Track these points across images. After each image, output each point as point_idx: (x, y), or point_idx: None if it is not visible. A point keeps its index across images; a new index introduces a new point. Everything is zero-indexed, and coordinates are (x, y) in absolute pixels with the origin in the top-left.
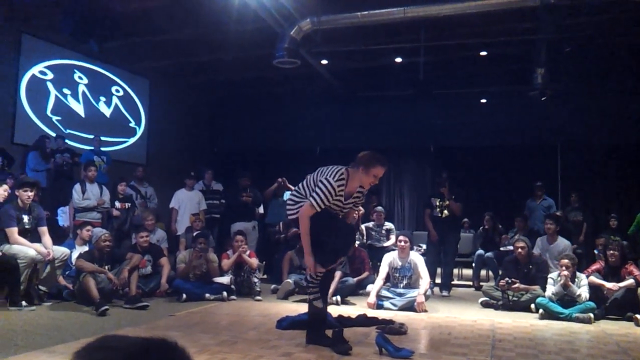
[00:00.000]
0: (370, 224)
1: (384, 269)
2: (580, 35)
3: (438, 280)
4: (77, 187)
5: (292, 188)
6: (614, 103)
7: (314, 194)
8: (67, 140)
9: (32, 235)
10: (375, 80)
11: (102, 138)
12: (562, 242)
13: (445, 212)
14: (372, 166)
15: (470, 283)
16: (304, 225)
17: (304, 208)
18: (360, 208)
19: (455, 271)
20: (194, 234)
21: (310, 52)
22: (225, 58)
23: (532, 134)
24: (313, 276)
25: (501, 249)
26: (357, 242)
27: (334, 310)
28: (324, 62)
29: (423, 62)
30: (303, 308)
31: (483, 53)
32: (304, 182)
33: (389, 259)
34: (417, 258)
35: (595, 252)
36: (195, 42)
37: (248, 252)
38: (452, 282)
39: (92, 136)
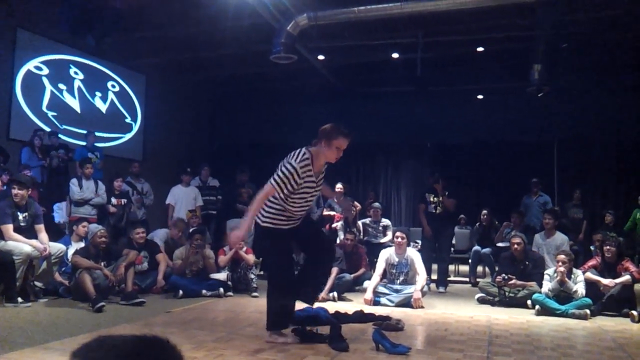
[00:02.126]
0: (367, 220)
1: (380, 265)
2: (578, 31)
3: (434, 277)
4: (75, 181)
5: None
6: (610, 99)
7: (275, 175)
8: (61, 136)
9: (27, 232)
10: (372, 76)
11: (98, 134)
12: (559, 237)
13: (439, 208)
14: (333, 138)
15: (467, 279)
16: (259, 199)
17: (264, 188)
18: (357, 204)
19: (452, 267)
20: (191, 230)
21: (307, 48)
22: (222, 54)
23: (529, 130)
24: (234, 246)
25: (497, 244)
26: (352, 237)
27: (330, 307)
28: (321, 57)
29: (420, 58)
30: (298, 305)
31: (480, 49)
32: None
33: (386, 255)
34: (414, 254)
35: (592, 248)
36: (192, 38)
37: (245, 249)
38: (449, 279)
39: (89, 131)
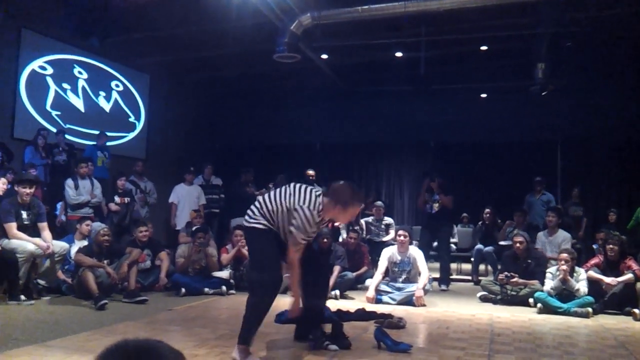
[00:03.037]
0: (370, 219)
1: (383, 264)
2: (581, 30)
3: (435, 275)
4: (70, 182)
5: None
6: (614, 98)
7: (296, 225)
8: (67, 136)
9: (31, 231)
10: (375, 75)
11: (105, 133)
12: (562, 234)
13: (436, 206)
14: (351, 205)
15: (469, 277)
16: (297, 272)
17: (292, 252)
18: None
19: (454, 266)
20: (194, 228)
21: (310, 47)
22: (225, 53)
23: (533, 129)
24: (293, 316)
25: (500, 243)
26: (355, 235)
27: (332, 305)
28: (324, 56)
29: (423, 57)
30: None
31: (483, 48)
32: (273, 197)
33: (388, 254)
34: (416, 253)
35: (595, 246)
36: (195, 37)
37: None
38: (451, 277)
39: (91, 131)
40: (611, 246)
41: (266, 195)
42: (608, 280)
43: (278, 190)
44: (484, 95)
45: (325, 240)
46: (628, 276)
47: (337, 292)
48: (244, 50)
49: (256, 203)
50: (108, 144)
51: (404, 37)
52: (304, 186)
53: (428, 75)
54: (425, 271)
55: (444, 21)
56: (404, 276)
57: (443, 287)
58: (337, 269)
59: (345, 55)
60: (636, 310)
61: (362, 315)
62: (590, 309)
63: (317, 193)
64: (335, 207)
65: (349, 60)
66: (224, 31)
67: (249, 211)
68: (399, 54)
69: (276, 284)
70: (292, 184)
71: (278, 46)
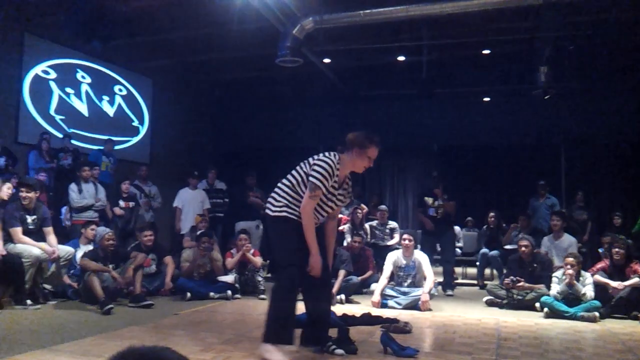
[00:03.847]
0: (374, 223)
1: (388, 268)
2: (584, 33)
3: (439, 279)
4: (73, 186)
5: None
6: (617, 101)
7: (315, 174)
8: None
9: (36, 235)
10: (378, 79)
11: (105, 137)
12: (568, 239)
13: (440, 212)
14: (367, 147)
15: (475, 282)
16: (309, 221)
17: (305, 201)
18: (363, 206)
19: (459, 270)
20: (198, 232)
21: (313, 51)
22: (228, 57)
23: (536, 132)
24: (317, 274)
25: (505, 247)
26: (360, 239)
27: (338, 309)
28: (327, 60)
29: (426, 61)
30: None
31: (486, 52)
32: (292, 173)
33: (393, 258)
34: (421, 257)
35: (600, 250)
36: (198, 41)
37: (252, 251)
38: (456, 281)
39: (96, 135)
40: (617, 250)
41: (285, 178)
42: (614, 284)
43: (294, 169)
44: (487, 99)
45: (357, 243)
46: (635, 280)
47: (343, 296)
48: (247, 54)
49: (276, 188)
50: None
51: (407, 41)
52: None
53: (431, 79)
54: (431, 275)
55: (446, 25)
56: (409, 280)
57: (449, 292)
58: (342, 273)
59: (347, 59)
60: None
61: (367, 319)
62: (597, 314)
63: (330, 152)
64: (352, 152)
65: (351, 64)
66: (226, 35)
67: (270, 199)
68: (401, 58)
69: (292, 283)
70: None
71: (280, 50)
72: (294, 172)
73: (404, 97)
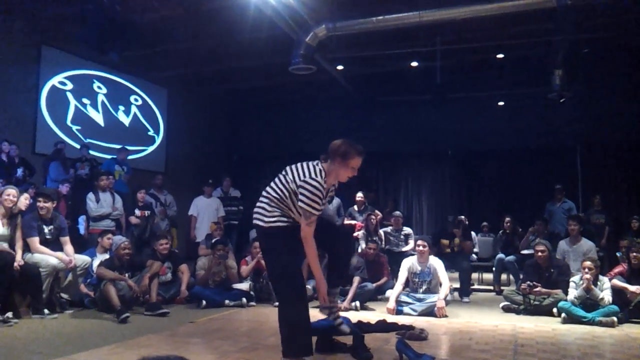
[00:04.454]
0: (389, 229)
1: (403, 274)
2: (598, 36)
3: (456, 285)
4: (91, 195)
5: None
6: (632, 104)
7: (306, 201)
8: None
9: (53, 245)
10: (391, 85)
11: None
12: (586, 244)
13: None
14: (349, 158)
15: (491, 287)
16: (312, 247)
17: (305, 228)
18: (378, 212)
19: (475, 275)
20: (213, 240)
21: (326, 58)
22: (242, 66)
23: (551, 136)
24: (325, 302)
25: (522, 252)
26: (374, 246)
27: (353, 316)
28: (340, 67)
29: (440, 66)
30: (321, 314)
31: (500, 56)
32: (276, 185)
33: (408, 264)
34: (436, 263)
35: (618, 254)
36: (212, 51)
37: None
38: (472, 287)
39: (112, 145)
40: (635, 254)
41: (269, 188)
42: (633, 288)
43: (277, 178)
44: (501, 103)
45: (371, 249)
46: None
47: (357, 303)
48: (261, 63)
49: (263, 198)
50: (128, 157)
51: (420, 46)
52: (299, 163)
53: (444, 84)
54: (446, 281)
55: (459, 30)
56: (424, 287)
57: (465, 299)
58: (356, 279)
59: (361, 66)
60: None
61: (383, 326)
62: (615, 318)
63: (315, 163)
64: (334, 162)
65: (364, 71)
66: (240, 44)
67: (258, 209)
68: (414, 64)
69: (299, 292)
70: (287, 167)
71: (294, 58)
72: (279, 184)
73: (417, 102)
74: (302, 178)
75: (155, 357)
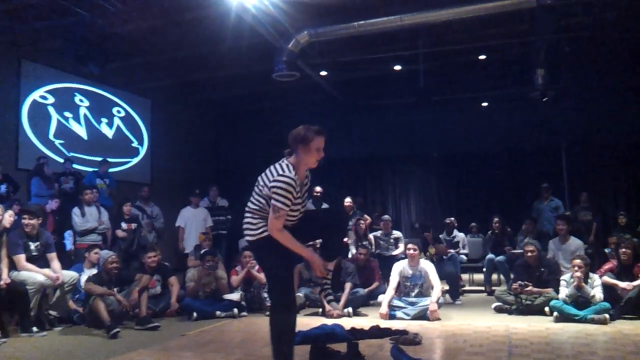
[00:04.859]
0: (378, 233)
1: (394, 279)
2: (580, 34)
3: (446, 287)
4: (76, 210)
5: None
6: (616, 101)
7: (278, 198)
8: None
9: (39, 261)
10: (375, 89)
11: (108, 159)
12: (574, 242)
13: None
14: (310, 140)
15: (482, 288)
16: (284, 236)
17: (272, 223)
18: (367, 217)
19: (466, 276)
20: (202, 251)
21: (309, 64)
22: (225, 74)
23: (536, 135)
24: (324, 274)
25: (512, 251)
26: (365, 251)
27: (346, 323)
28: (323, 73)
29: (423, 69)
30: (314, 322)
31: (482, 57)
32: (253, 197)
33: (399, 268)
34: (427, 266)
35: (606, 251)
36: (194, 60)
37: (256, 267)
38: (463, 288)
39: (95, 158)
40: (624, 250)
41: (249, 202)
42: (623, 285)
43: (254, 190)
44: (485, 104)
45: (362, 255)
46: None
47: (350, 309)
48: (244, 71)
49: (246, 212)
50: (112, 170)
51: (402, 50)
52: (267, 169)
53: (428, 87)
54: (438, 284)
55: (440, 32)
56: (416, 290)
57: (457, 302)
58: (348, 285)
59: (344, 71)
60: None
61: (376, 332)
62: (607, 315)
63: (280, 161)
64: (298, 151)
65: (348, 76)
66: (222, 53)
67: (245, 224)
68: (397, 67)
69: (291, 304)
70: (259, 177)
71: (277, 65)
72: (256, 195)
73: (402, 105)
74: (271, 179)
75: None
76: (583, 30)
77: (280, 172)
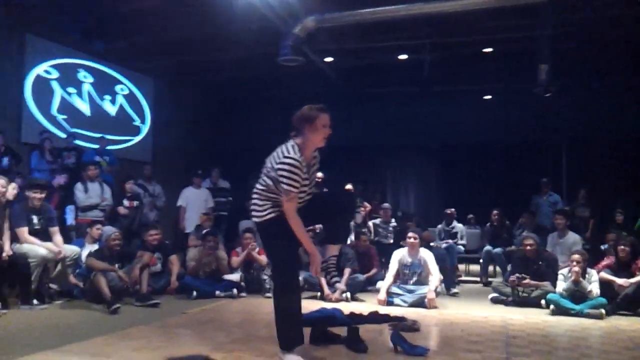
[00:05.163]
0: (378, 221)
1: (393, 266)
2: (585, 31)
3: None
4: (79, 186)
5: None
6: (618, 98)
7: (285, 181)
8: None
9: (42, 235)
10: (379, 77)
11: (108, 137)
12: (572, 237)
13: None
14: (314, 119)
15: (478, 279)
16: (296, 223)
17: (285, 206)
18: (367, 204)
19: (463, 267)
20: (204, 232)
21: (314, 50)
22: (230, 56)
23: (537, 130)
24: (319, 274)
25: (508, 249)
26: (366, 237)
27: (344, 308)
28: (329, 59)
29: (428, 59)
30: (313, 305)
31: (487, 50)
32: (262, 179)
33: (399, 256)
34: (427, 255)
35: (603, 247)
36: (200, 40)
37: (257, 249)
38: (460, 279)
39: (97, 135)
40: (622, 247)
41: (257, 183)
42: (620, 281)
43: (261, 172)
44: (488, 97)
45: (363, 238)
46: None
47: (349, 294)
48: (250, 54)
49: (254, 194)
50: (114, 147)
51: (408, 39)
52: (275, 150)
53: (432, 78)
54: (437, 273)
55: (447, 23)
56: (415, 278)
57: (452, 290)
58: (347, 271)
59: (349, 58)
60: None
61: (375, 318)
62: (603, 311)
63: (287, 142)
64: (304, 131)
65: (353, 63)
66: (228, 34)
67: (252, 205)
68: (403, 57)
69: (294, 284)
70: (266, 159)
71: (282, 49)
72: (263, 176)
73: (404, 95)
74: (277, 161)
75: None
76: (588, 27)
77: (287, 154)
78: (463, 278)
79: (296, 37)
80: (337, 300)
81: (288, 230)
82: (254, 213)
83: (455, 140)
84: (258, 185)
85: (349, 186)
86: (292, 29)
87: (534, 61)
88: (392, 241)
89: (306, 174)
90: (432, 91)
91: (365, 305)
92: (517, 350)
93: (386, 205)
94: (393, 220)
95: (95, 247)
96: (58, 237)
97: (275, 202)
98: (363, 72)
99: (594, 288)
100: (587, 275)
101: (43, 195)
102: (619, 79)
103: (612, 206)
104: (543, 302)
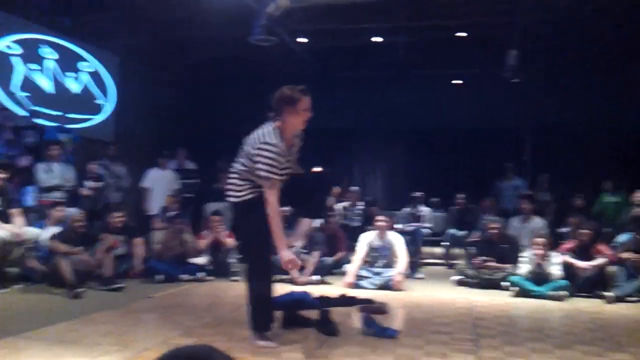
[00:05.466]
0: (345, 204)
1: (362, 249)
2: (557, 19)
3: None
4: (41, 165)
5: None
6: (584, 86)
7: (263, 167)
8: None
9: (1, 217)
10: (352, 60)
11: (70, 115)
12: (536, 221)
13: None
14: (297, 101)
15: (442, 261)
16: (275, 213)
17: (266, 192)
18: (336, 188)
19: (427, 250)
20: (170, 214)
21: (288, 30)
22: (200, 36)
23: (504, 115)
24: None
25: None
26: (333, 220)
27: (314, 290)
28: (303, 40)
29: (402, 43)
30: (281, 289)
31: (461, 34)
32: (243, 162)
33: (368, 239)
34: (395, 238)
35: (564, 230)
36: (169, 19)
37: (224, 233)
38: (424, 261)
39: (59, 113)
40: (585, 231)
41: (236, 163)
42: (581, 264)
43: (240, 151)
44: (458, 82)
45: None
46: (603, 260)
47: (318, 276)
48: (221, 34)
49: (232, 174)
50: (76, 126)
51: (382, 22)
52: (254, 132)
53: (405, 62)
54: (404, 256)
55: (422, 6)
56: (383, 261)
57: (417, 275)
58: (316, 254)
59: (323, 40)
60: (609, 294)
61: (344, 300)
62: (565, 292)
63: (266, 125)
64: (284, 114)
65: (326, 45)
66: (199, 13)
67: (230, 185)
68: (377, 39)
69: (268, 267)
70: (245, 138)
71: (254, 29)
72: (242, 157)
73: (375, 79)
74: (256, 146)
75: (186, 347)
76: (561, 16)
77: (267, 140)
78: (427, 260)
79: (269, 17)
80: (305, 284)
81: (263, 213)
82: (231, 193)
83: (424, 125)
84: (238, 165)
85: (317, 169)
86: (266, 7)
87: (505, 47)
88: (359, 224)
89: (285, 158)
90: (404, 75)
91: (333, 288)
92: (484, 332)
93: (355, 188)
94: (361, 203)
95: (57, 229)
96: (19, 219)
97: (255, 184)
98: (336, 54)
99: (556, 271)
100: (549, 258)
101: (6, 176)
102: (588, 69)
103: (572, 192)
104: (506, 284)
